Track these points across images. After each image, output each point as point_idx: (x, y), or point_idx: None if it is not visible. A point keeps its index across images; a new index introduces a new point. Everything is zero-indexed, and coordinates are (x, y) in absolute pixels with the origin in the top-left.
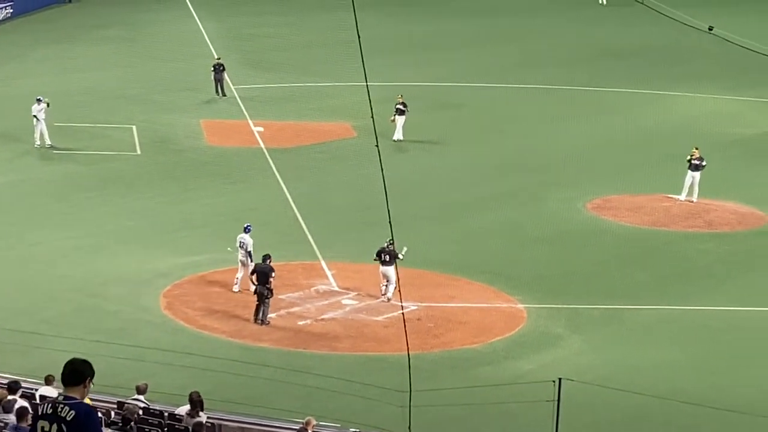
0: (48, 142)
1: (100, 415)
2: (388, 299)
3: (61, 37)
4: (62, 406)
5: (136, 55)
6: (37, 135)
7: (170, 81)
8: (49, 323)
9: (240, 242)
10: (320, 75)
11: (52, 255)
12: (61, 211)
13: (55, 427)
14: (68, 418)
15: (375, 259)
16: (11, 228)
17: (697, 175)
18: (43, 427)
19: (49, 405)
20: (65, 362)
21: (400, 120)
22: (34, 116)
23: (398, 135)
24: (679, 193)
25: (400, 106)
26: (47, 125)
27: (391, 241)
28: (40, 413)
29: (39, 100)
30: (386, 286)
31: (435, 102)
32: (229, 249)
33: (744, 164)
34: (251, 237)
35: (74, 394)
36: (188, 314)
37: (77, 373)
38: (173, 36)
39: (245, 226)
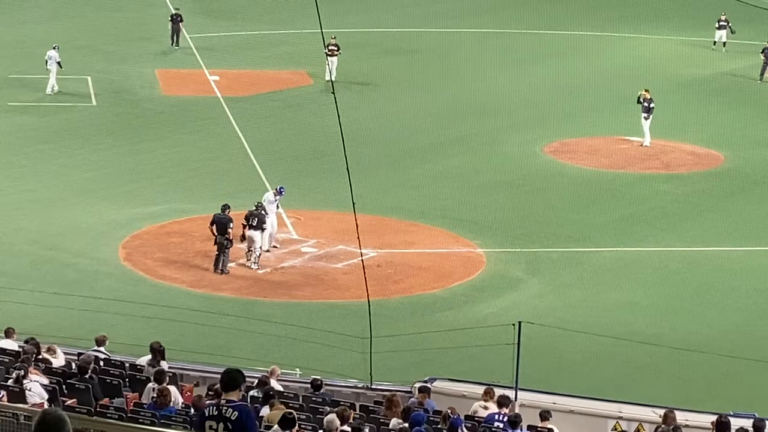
0: (57, 88)
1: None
2: (254, 264)
3: None
4: (226, 408)
5: (88, 5)
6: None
7: (124, 31)
8: (7, 276)
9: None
10: (275, 22)
11: (8, 208)
12: (16, 164)
13: (221, 426)
14: (232, 418)
15: (243, 224)
16: None
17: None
18: (211, 426)
19: (214, 407)
20: (222, 372)
21: (332, 61)
22: (58, 63)
23: (331, 75)
24: (638, 136)
25: (333, 48)
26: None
27: (260, 204)
28: (207, 415)
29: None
30: (249, 252)
31: (388, 48)
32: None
33: (701, 105)
34: (272, 196)
35: (233, 397)
36: (147, 265)
37: (234, 380)
38: None
39: (279, 188)
